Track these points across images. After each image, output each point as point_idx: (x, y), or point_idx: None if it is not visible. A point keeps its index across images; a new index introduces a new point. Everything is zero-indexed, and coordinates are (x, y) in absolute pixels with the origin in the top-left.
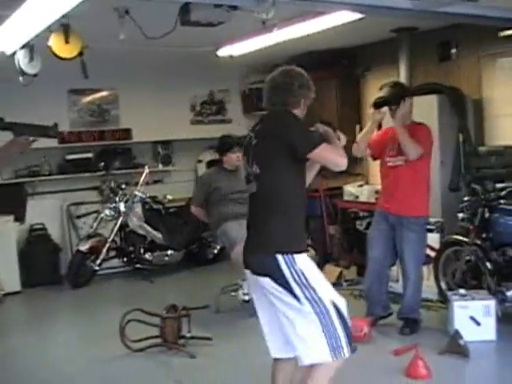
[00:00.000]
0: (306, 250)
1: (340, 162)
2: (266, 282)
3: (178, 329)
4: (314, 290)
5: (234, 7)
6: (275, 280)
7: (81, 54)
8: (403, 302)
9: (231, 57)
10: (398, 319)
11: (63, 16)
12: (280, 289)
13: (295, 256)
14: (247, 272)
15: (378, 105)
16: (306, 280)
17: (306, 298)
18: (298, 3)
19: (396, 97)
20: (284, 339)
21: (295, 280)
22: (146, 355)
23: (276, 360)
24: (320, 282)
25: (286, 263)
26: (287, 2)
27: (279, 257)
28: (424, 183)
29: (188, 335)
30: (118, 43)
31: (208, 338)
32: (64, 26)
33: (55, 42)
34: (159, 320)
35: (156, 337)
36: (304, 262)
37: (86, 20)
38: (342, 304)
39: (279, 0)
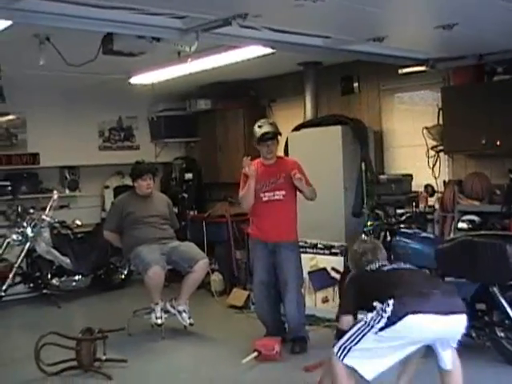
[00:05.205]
0: None
1: None
2: None
3: (93, 351)
4: None
5: (158, 39)
6: None
7: None
8: (289, 322)
9: (152, 85)
10: (288, 341)
11: None
12: None
13: None
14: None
15: (269, 138)
16: None
17: None
18: (218, 37)
19: (278, 131)
20: None
21: None
22: (62, 378)
23: None
24: None
25: None
26: (208, 36)
27: None
28: (295, 211)
29: (103, 358)
30: (32, 68)
31: (123, 360)
32: None
33: None
34: (75, 343)
35: (71, 360)
36: None
37: (2, 43)
38: None
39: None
